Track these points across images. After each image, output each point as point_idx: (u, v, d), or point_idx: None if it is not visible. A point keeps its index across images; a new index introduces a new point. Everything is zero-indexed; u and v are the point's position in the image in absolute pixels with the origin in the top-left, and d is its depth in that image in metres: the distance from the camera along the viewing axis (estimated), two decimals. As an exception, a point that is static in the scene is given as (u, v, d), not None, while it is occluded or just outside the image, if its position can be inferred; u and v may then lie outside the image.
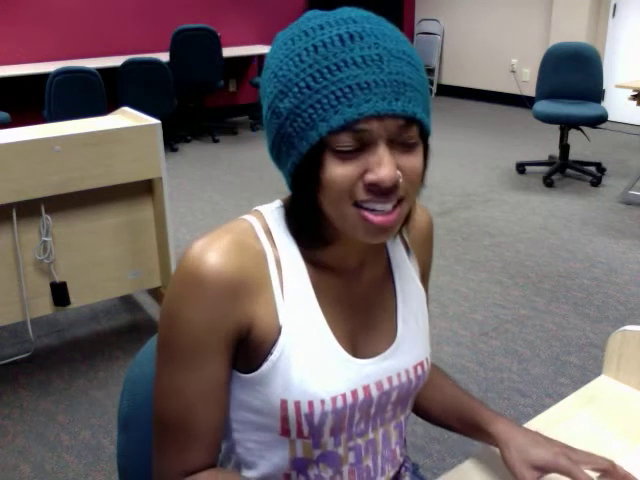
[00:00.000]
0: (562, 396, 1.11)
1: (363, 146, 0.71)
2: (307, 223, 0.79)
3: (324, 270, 0.84)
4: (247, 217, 0.83)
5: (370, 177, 0.71)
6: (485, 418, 0.92)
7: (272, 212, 0.84)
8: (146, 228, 2.63)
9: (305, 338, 0.80)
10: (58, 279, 2.46)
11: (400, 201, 0.74)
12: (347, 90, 0.69)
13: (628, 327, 1.09)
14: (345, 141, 0.70)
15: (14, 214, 2.31)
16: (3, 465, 2.06)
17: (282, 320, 0.79)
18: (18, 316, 2.43)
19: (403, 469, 0.99)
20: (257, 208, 0.86)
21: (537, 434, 0.89)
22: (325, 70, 0.70)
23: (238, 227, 0.81)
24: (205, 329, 0.77)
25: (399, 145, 0.72)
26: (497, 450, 0.91)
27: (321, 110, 0.70)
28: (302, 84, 0.71)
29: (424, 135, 0.75)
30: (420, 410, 1.03)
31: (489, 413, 0.93)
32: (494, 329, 2.79)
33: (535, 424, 1.01)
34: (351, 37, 0.71)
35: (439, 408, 1.00)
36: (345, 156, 0.71)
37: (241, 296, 0.77)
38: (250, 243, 0.80)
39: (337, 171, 0.71)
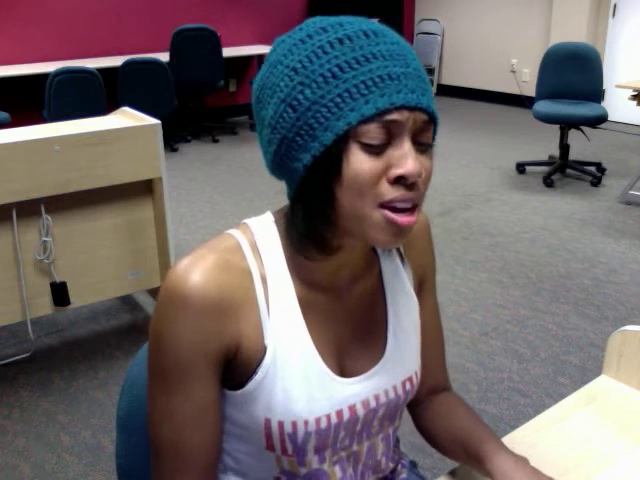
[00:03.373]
0: (562, 396, 1.12)
1: (390, 140, 0.70)
2: (317, 223, 0.75)
3: (313, 286, 0.81)
4: (234, 232, 0.81)
5: (397, 171, 0.70)
6: (486, 452, 0.86)
7: (261, 227, 0.81)
8: (146, 228, 2.63)
9: (290, 358, 0.78)
10: (58, 279, 2.46)
11: (416, 205, 0.73)
12: (378, 80, 0.68)
13: (628, 327, 1.09)
14: (374, 132, 0.69)
15: (14, 214, 2.31)
16: (3, 465, 2.06)
17: (267, 340, 0.78)
18: (18, 316, 2.43)
19: (400, 466, 0.98)
20: (245, 221, 0.83)
21: (529, 471, 0.82)
22: (353, 61, 0.69)
23: (223, 244, 0.79)
24: (191, 351, 0.75)
25: (417, 145, 0.72)
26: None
27: (350, 99, 0.68)
28: (328, 74, 0.69)
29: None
30: (432, 442, 0.98)
31: (490, 446, 0.86)
32: (494, 329, 2.79)
33: (535, 424, 1.02)
34: (375, 33, 0.71)
35: (449, 441, 0.94)
36: (371, 150, 0.70)
37: (226, 316, 0.76)
38: (235, 261, 0.77)
39: (363, 165, 0.69)
